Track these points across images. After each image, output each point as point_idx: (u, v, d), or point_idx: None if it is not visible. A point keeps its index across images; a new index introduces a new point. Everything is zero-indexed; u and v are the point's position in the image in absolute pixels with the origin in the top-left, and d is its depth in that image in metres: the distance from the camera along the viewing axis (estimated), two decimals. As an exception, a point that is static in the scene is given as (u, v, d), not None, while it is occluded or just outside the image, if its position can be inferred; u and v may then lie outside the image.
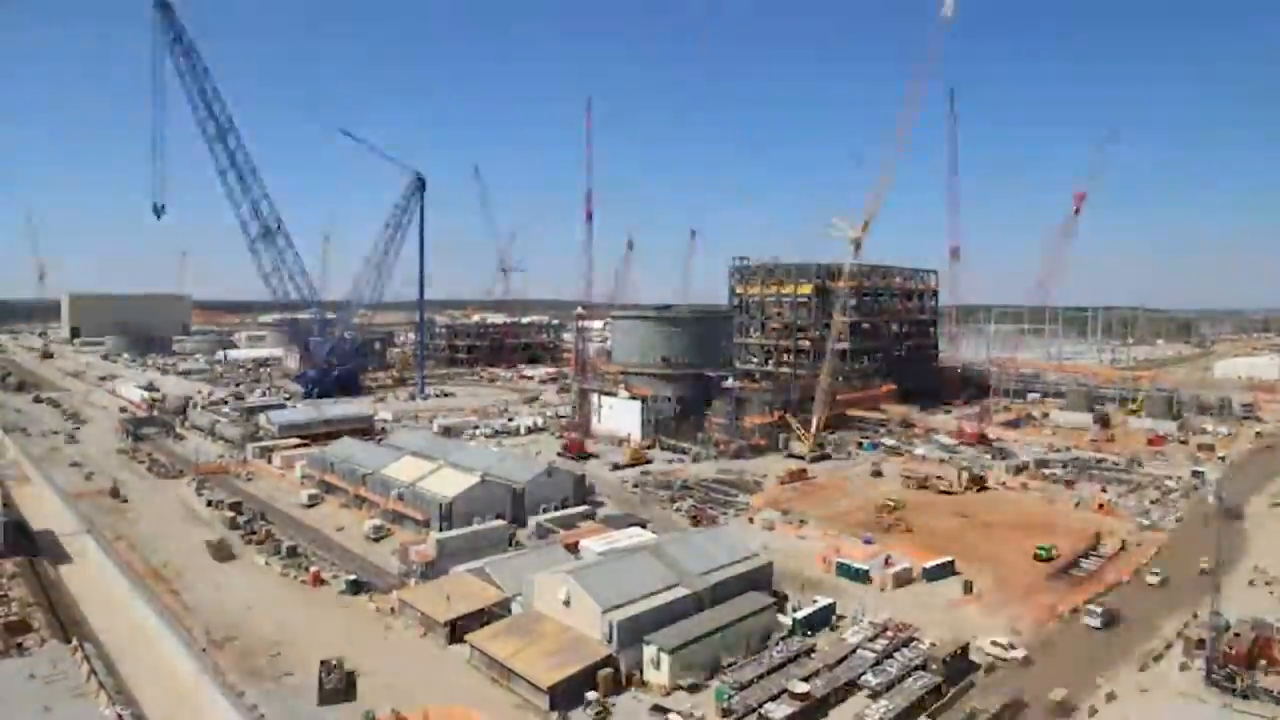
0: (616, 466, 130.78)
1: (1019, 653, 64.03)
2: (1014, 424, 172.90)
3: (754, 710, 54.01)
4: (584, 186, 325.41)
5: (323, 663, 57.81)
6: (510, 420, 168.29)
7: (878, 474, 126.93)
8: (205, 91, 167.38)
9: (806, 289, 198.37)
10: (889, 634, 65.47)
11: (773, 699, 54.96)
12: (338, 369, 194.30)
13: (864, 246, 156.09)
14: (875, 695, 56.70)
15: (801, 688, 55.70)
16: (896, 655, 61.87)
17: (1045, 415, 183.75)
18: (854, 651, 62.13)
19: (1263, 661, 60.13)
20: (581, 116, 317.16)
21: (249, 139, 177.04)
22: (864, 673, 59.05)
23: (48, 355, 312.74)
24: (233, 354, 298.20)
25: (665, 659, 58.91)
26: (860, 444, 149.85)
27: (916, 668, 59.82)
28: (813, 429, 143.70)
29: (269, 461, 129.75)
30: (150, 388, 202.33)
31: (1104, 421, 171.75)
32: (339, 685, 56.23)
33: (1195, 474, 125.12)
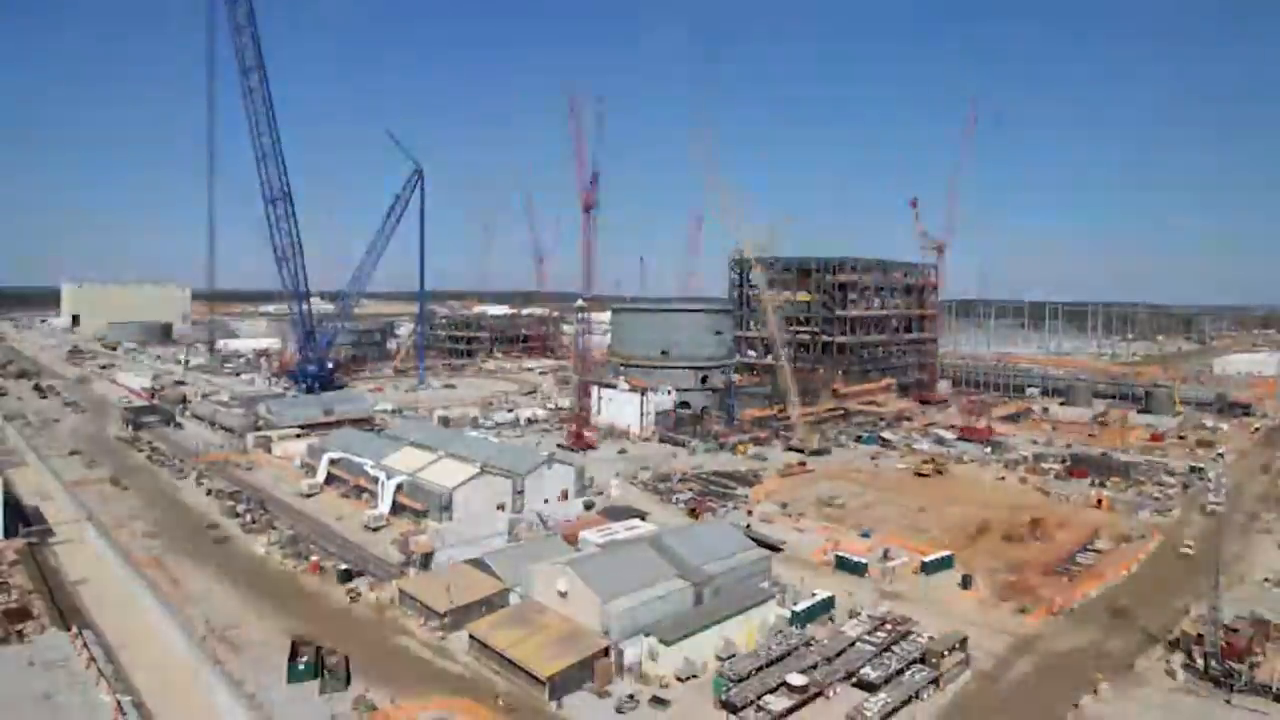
0: None
1: None
2: (1013, 418, 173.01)
3: (752, 703, 54.12)
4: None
5: (320, 650, 57.96)
6: (510, 411, 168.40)
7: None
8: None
9: (806, 298, 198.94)
10: (887, 627, 65.61)
11: (770, 691, 55.10)
12: (308, 369, 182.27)
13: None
14: (873, 688, 56.83)
15: (799, 680, 55.86)
16: (895, 649, 62.01)
17: (1045, 410, 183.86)
18: (852, 644, 62.27)
19: (1259, 655, 60.26)
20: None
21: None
22: (862, 666, 59.20)
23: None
24: (232, 344, 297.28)
25: (663, 650, 59.04)
26: (859, 438, 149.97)
27: (915, 661, 59.99)
28: (795, 418, 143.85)
29: (269, 451, 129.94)
30: (154, 377, 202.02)
31: (1103, 417, 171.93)
32: (338, 674, 56.40)
33: (1194, 469, 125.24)
